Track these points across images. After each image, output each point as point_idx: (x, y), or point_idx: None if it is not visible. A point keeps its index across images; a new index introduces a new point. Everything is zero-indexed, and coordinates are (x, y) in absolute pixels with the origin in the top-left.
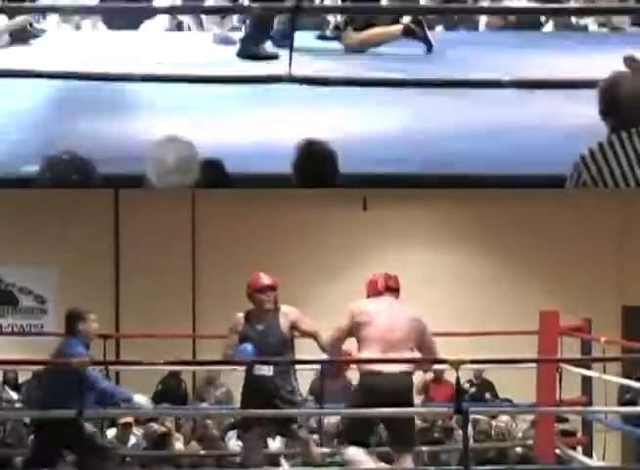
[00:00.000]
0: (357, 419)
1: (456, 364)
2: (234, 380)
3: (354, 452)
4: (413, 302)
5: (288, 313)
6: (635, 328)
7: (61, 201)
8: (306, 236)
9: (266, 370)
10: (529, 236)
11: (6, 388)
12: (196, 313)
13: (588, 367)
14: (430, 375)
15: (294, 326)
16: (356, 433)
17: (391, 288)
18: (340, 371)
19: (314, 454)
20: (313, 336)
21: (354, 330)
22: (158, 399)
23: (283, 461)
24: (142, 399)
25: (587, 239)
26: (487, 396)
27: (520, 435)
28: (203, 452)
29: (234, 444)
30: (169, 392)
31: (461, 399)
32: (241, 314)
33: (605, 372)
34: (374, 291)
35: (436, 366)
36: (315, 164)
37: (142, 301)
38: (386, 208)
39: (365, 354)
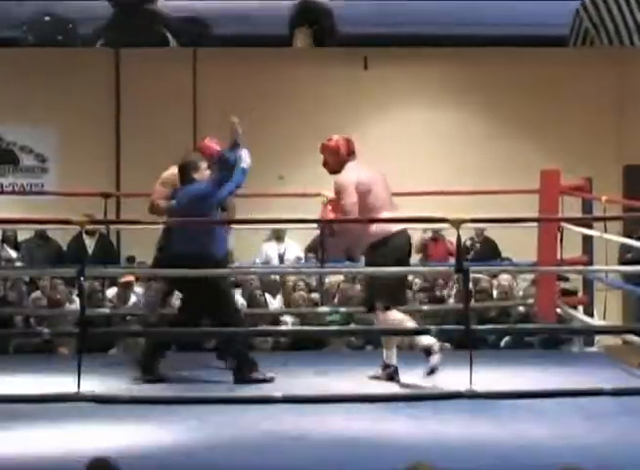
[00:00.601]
0: (394, 281)
1: (457, 223)
2: None
3: (397, 315)
4: (414, 160)
5: None
6: (636, 187)
7: (62, 60)
8: (307, 96)
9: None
10: (530, 95)
11: (5, 246)
12: None
13: (589, 226)
14: (428, 234)
15: None
16: (396, 296)
17: (354, 151)
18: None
19: None
20: None
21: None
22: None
23: (286, 318)
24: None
25: (587, 98)
26: (489, 255)
27: (520, 294)
28: None
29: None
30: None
31: (462, 259)
32: (175, 169)
33: (606, 231)
34: (344, 156)
35: (435, 225)
36: (312, 23)
37: (143, 161)
38: (387, 67)
39: (384, 216)
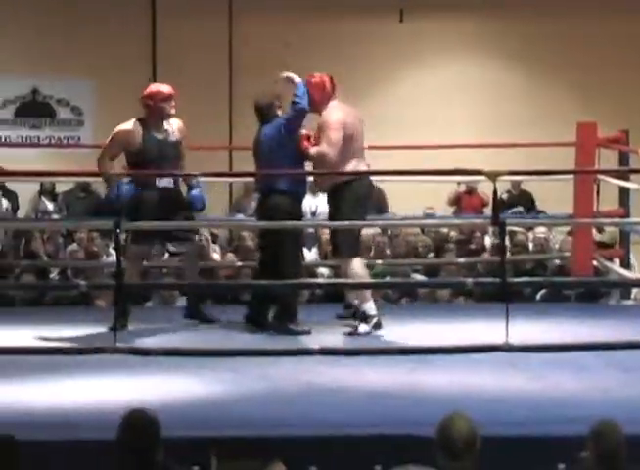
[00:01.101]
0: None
1: (493, 176)
2: None
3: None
4: (448, 112)
5: (181, 127)
6: None
7: (97, 10)
8: (344, 48)
9: (167, 183)
10: (566, 47)
11: (43, 198)
12: (232, 126)
13: (626, 179)
14: (462, 187)
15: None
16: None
17: (335, 88)
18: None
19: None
20: None
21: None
22: None
23: (322, 270)
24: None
25: (624, 49)
26: (522, 208)
27: (557, 247)
28: (239, 264)
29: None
30: None
31: (498, 211)
32: (128, 127)
33: None
34: (327, 94)
35: (471, 178)
36: None
37: (180, 111)
38: (422, 19)
39: (353, 164)
